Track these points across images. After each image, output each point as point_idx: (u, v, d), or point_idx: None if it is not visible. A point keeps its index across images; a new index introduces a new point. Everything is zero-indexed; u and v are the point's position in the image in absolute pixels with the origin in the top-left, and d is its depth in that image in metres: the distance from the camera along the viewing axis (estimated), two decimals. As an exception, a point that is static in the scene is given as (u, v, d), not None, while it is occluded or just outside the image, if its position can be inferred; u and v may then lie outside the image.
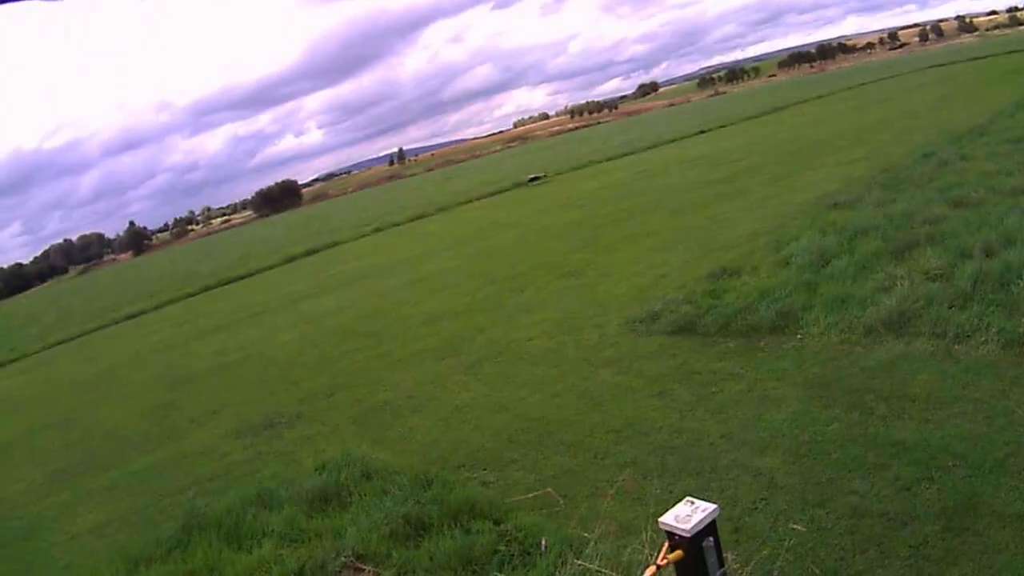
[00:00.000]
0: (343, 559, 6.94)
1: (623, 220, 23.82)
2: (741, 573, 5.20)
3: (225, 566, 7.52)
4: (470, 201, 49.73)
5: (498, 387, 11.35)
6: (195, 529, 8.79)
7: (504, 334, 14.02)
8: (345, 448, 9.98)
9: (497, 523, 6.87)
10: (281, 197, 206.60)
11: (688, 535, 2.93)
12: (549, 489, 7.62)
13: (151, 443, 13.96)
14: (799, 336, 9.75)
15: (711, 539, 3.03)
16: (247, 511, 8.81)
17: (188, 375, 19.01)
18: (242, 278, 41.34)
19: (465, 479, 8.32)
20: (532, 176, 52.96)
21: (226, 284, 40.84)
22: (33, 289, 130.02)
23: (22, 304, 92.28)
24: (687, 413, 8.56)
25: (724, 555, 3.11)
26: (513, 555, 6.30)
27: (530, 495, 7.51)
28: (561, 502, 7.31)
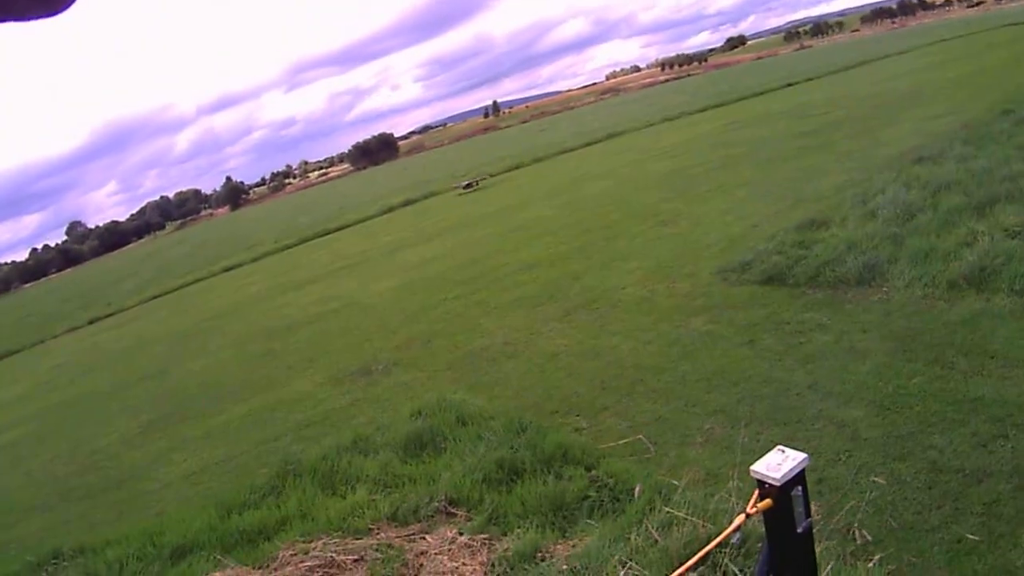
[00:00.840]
0: (436, 504, 6.95)
1: (714, 170, 23.49)
2: (824, 524, 5.29)
3: (319, 511, 7.66)
4: (564, 152, 49.64)
5: (592, 335, 11.52)
6: (289, 475, 9.02)
7: (598, 282, 14.28)
8: (440, 394, 10.12)
9: (588, 469, 6.98)
10: (378, 150, 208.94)
11: (778, 484, 2.86)
12: (640, 436, 7.69)
13: (247, 392, 14.46)
14: (885, 289, 9.89)
15: (799, 489, 2.92)
16: (342, 457, 8.99)
17: (285, 325, 19.58)
18: (339, 229, 42.11)
19: (558, 425, 8.46)
20: (612, 132, 52.15)
21: (323, 236, 41.66)
22: (130, 245, 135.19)
23: (119, 260, 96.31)
24: (775, 363, 8.64)
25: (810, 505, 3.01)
26: (603, 501, 6.41)
27: (621, 442, 7.65)
28: (652, 449, 7.42)
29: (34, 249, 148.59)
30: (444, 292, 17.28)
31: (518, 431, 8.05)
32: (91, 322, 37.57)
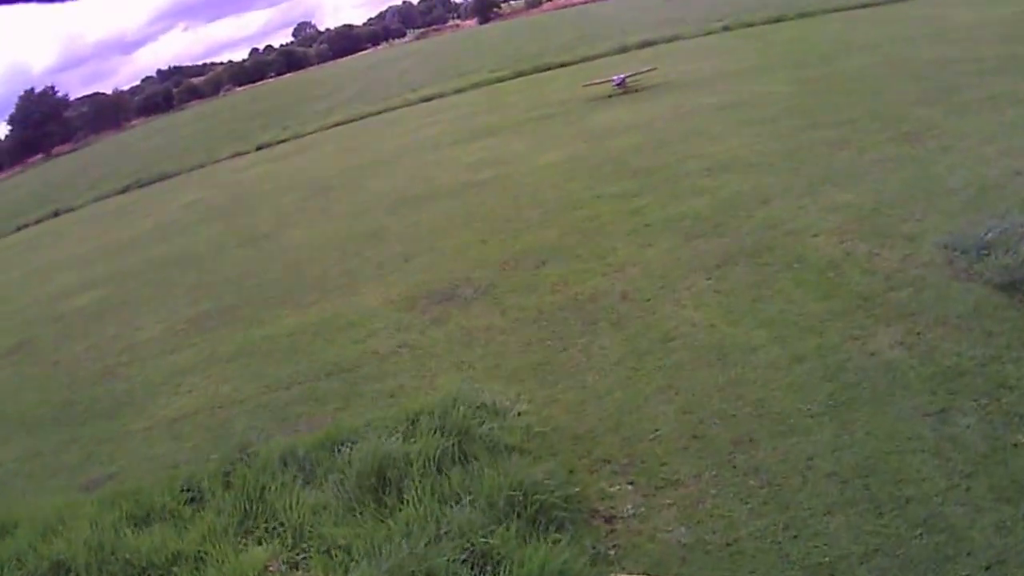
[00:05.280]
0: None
1: (999, 72, 17.44)
2: None
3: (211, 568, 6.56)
4: (834, 10, 42.25)
5: (731, 317, 9.02)
6: (203, 496, 7.75)
7: (788, 215, 11.47)
8: (472, 387, 8.26)
9: None
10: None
11: None
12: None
13: (315, 294, 13.27)
14: None
15: None
16: (286, 472, 7.74)
17: (419, 195, 18.18)
18: (561, 67, 39.42)
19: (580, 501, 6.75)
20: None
21: (539, 71, 39.21)
22: (360, 53, 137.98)
23: (333, 71, 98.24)
24: (971, 480, 5.91)
25: None
26: None
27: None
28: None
29: (255, 50, 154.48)
30: (606, 184, 14.79)
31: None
32: (258, 148, 37.85)
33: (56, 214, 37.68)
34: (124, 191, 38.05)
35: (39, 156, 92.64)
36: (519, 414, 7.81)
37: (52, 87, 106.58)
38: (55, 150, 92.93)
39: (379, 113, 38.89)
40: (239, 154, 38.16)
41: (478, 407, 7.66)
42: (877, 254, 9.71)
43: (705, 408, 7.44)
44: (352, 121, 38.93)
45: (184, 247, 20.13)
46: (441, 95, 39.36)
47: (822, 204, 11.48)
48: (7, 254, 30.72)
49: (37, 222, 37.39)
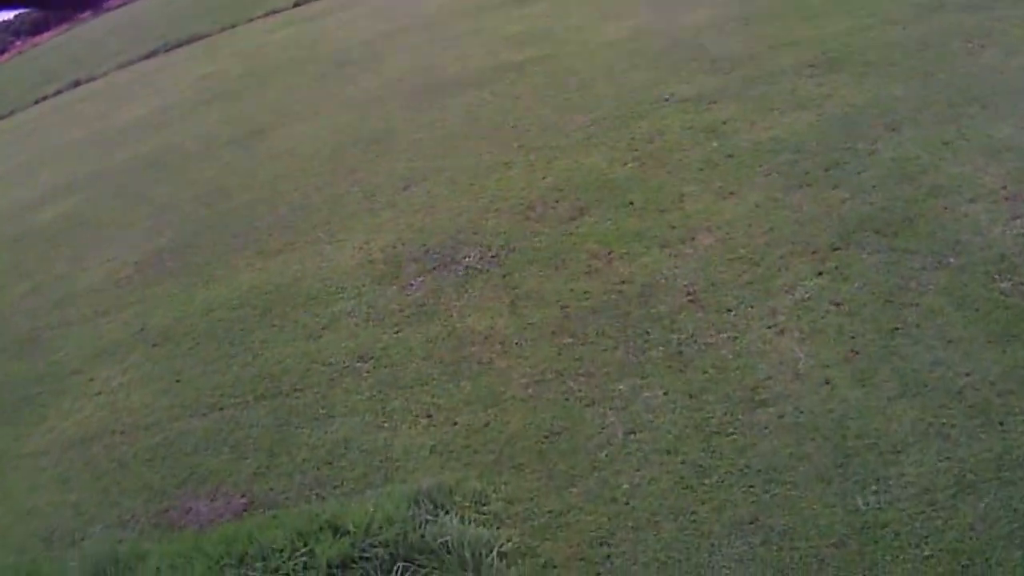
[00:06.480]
0: None
1: None
2: None
3: None
4: None
5: (864, 353, 5.74)
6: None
7: (927, 155, 7.71)
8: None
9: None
10: None
11: None
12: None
13: (282, 235, 10.38)
14: None
15: None
16: None
17: (442, 81, 14.61)
18: None
19: None
20: None
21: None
22: None
23: None
24: None
25: None
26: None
27: None
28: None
29: None
30: (676, 78, 10.93)
31: None
32: (295, 4, 34.18)
33: (77, 84, 34.69)
34: (151, 55, 34.80)
35: (87, 13, 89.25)
36: (502, 554, 4.67)
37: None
38: (105, 4, 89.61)
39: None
40: (275, 11, 34.53)
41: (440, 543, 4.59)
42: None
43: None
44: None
45: (173, 142, 17.31)
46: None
47: (972, 140, 7.69)
48: (9, 137, 28.17)
49: (56, 93, 34.57)
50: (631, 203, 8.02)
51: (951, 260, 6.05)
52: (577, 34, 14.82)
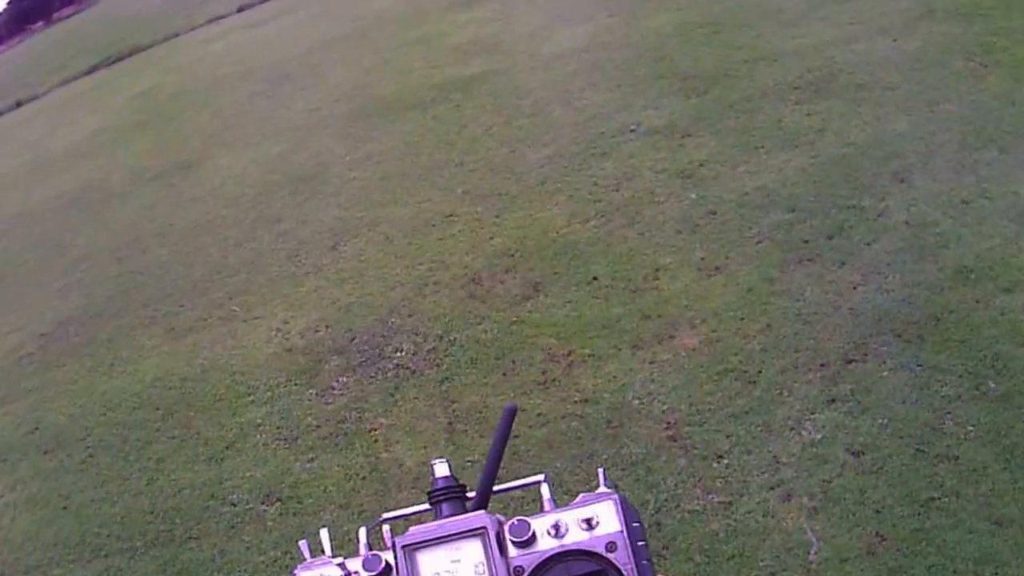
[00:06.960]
0: None
1: None
2: None
3: None
4: None
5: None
6: None
7: (948, 222, 6.22)
8: None
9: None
10: None
11: None
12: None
13: (194, 309, 9.03)
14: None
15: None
16: None
17: (382, 100, 13.41)
18: None
19: None
20: None
21: None
22: None
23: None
24: None
25: None
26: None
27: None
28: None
29: None
30: (643, 99, 9.59)
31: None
32: (239, 9, 32.76)
33: (18, 104, 33.07)
34: (92, 71, 33.24)
35: (39, 24, 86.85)
36: None
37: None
38: (55, 15, 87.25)
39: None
40: (218, 18, 32.92)
41: None
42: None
43: None
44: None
45: (97, 177, 15.87)
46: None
47: (995, 198, 6.12)
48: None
49: (-1, 114, 33.00)
50: (595, 279, 6.60)
51: (991, 385, 4.59)
52: (529, 43, 13.47)
